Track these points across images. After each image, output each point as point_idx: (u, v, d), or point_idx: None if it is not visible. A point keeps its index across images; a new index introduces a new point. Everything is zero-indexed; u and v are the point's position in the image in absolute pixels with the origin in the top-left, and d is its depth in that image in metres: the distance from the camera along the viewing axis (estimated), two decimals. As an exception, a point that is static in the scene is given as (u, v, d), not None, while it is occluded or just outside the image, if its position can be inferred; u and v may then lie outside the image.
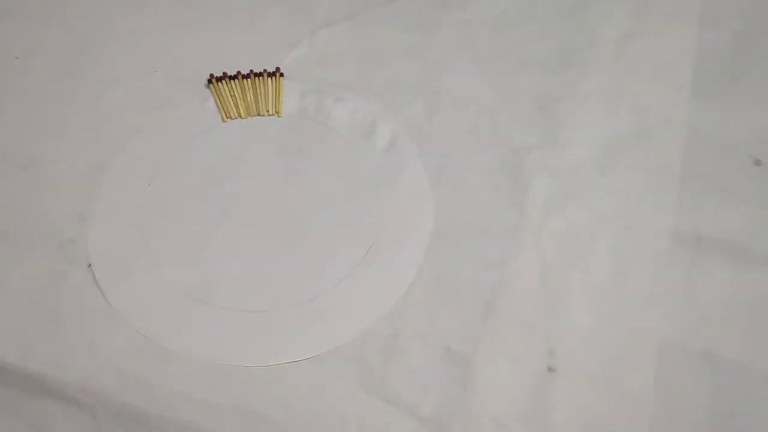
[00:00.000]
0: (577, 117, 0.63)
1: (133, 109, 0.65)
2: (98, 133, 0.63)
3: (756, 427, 0.47)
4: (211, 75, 0.66)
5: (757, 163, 0.59)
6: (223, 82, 0.66)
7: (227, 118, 0.64)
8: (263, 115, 0.65)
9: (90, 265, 0.51)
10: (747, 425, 0.47)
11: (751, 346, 0.50)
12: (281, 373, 0.50)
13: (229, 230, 0.58)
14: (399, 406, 0.48)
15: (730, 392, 0.48)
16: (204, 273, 0.55)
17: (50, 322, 0.52)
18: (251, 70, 0.67)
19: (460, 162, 0.61)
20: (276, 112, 0.64)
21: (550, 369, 0.49)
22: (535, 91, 0.65)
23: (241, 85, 0.66)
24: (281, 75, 0.66)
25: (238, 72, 0.67)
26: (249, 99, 0.65)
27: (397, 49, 0.69)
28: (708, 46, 0.67)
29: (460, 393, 0.49)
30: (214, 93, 0.65)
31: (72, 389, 0.48)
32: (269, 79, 0.66)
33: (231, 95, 0.65)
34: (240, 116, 0.64)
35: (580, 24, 0.70)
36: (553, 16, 0.71)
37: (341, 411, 0.48)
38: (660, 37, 0.68)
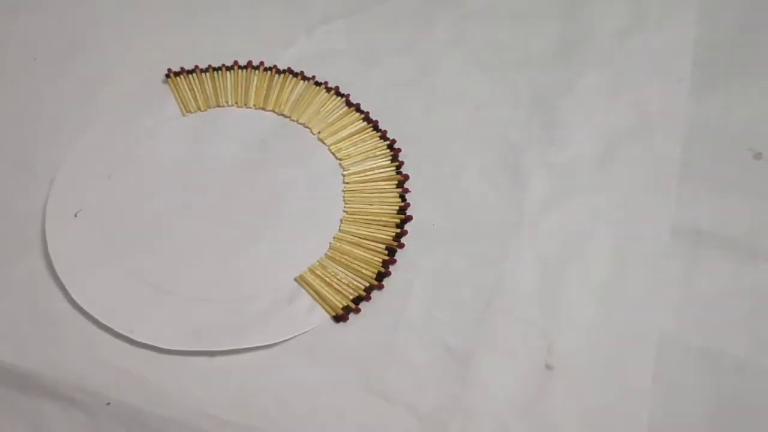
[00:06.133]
0: (575, 113, 0.63)
1: (126, 106, 0.64)
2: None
3: (756, 423, 0.47)
4: (169, 70, 0.66)
5: (758, 156, 0.59)
6: (181, 76, 0.66)
7: (186, 111, 0.64)
8: (222, 106, 0.64)
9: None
10: (747, 421, 0.47)
11: (751, 341, 0.50)
12: (277, 368, 0.50)
13: (191, 221, 0.57)
14: (397, 404, 0.48)
15: (730, 388, 0.49)
16: (167, 264, 0.55)
17: (44, 320, 0.52)
18: (209, 65, 0.67)
19: (458, 159, 0.61)
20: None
21: (548, 366, 0.49)
22: (533, 88, 0.64)
23: (199, 78, 0.66)
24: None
25: (196, 66, 0.67)
26: (208, 91, 0.65)
27: (394, 46, 0.69)
28: (707, 38, 0.67)
29: (459, 390, 0.48)
30: (173, 88, 0.65)
31: (68, 388, 0.48)
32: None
33: (189, 89, 0.65)
34: (199, 109, 0.64)
35: (578, 19, 0.70)
36: (551, 11, 0.71)
37: (339, 408, 0.48)
38: (659, 31, 0.68)
